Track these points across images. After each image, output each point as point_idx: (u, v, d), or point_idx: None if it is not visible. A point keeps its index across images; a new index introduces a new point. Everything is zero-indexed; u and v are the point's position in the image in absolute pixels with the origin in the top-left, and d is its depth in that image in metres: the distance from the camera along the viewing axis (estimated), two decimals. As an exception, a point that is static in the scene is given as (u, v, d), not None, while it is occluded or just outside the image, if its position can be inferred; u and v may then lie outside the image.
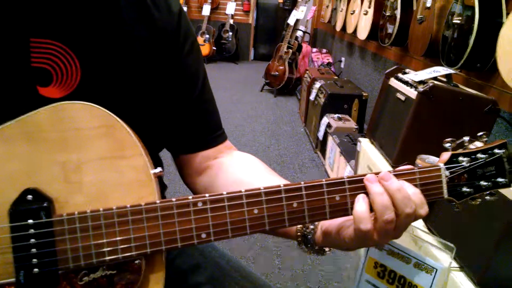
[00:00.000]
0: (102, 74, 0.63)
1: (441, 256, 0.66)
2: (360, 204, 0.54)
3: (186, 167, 0.78)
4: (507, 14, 1.65)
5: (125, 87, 0.66)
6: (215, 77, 6.08)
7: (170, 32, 0.70)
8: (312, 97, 3.56)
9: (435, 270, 0.63)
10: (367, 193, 0.55)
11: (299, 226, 0.64)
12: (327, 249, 0.64)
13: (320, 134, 3.12)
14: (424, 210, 0.55)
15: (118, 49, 0.64)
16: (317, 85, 3.50)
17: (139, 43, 0.66)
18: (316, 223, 0.63)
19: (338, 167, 2.62)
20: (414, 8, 2.58)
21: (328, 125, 2.99)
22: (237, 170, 0.74)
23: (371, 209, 0.55)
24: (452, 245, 0.65)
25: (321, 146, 3.14)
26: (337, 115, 3.08)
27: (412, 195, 0.55)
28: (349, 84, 3.56)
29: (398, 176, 0.56)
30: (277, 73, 5.23)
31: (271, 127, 3.98)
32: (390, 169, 1.78)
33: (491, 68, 1.74)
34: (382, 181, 0.55)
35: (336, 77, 3.96)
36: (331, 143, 2.82)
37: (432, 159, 1.50)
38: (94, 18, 0.63)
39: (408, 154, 1.64)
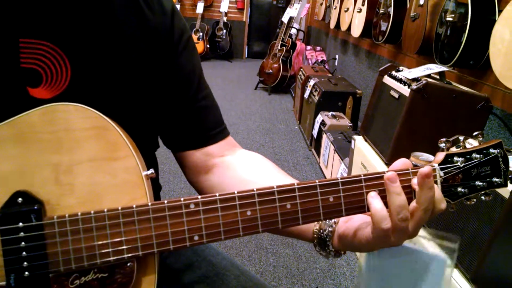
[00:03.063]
0: (93, 74, 0.63)
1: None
2: (377, 203, 0.55)
3: (186, 164, 0.77)
4: (500, 11, 1.65)
5: (116, 88, 0.65)
6: (209, 75, 6.04)
7: (163, 32, 0.69)
8: (306, 95, 3.56)
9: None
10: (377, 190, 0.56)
11: (316, 228, 0.65)
12: (342, 252, 0.64)
13: (315, 132, 3.12)
14: (444, 204, 0.56)
15: (110, 49, 0.64)
16: (311, 82, 3.50)
17: (131, 43, 0.66)
18: (334, 226, 0.63)
19: (332, 164, 2.62)
20: (408, 5, 2.58)
21: (322, 123, 3.00)
22: (246, 170, 0.74)
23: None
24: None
25: (316, 143, 3.14)
26: (331, 112, 3.08)
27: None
28: (343, 82, 3.57)
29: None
30: (271, 71, 5.22)
31: (265, 125, 3.98)
32: (384, 166, 1.77)
33: (484, 65, 1.75)
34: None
35: (330, 75, 3.96)
36: (325, 141, 2.82)
37: (426, 156, 1.50)
38: (86, 18, 0.62)
39: (402, 152, 1.65)
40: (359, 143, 2.02)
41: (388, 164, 1.72)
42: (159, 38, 0.68)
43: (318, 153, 3.04)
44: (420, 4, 2.31)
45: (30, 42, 0.58)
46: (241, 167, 0.74)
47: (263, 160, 0.76)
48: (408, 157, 1.57)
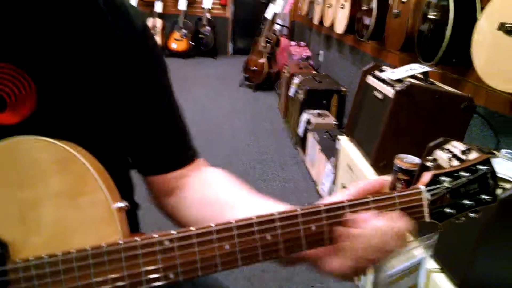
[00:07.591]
0: (60, 96, 0.59)
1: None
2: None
3: (154, 188, 0.75)
4: (482, 8, 1.65)
5: (85, 109, 0.62)
6: (193, 73, 6.00)
7: (134, 50, 0.66)
8: (291, 93, 3.54)
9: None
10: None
11: None
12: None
13: (300, 131, 3.10)
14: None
15: (78, 71, 0.60)
16: (296, 80, 3.48)
17: (101, 63, 0.62)
18: None
19: (319, 164, 2.61)
20: (390, 2, 2.57)
21: (308, 122, 2.98)
22: (203, 187, 0.71)
23: None
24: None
25: (301, 143, 3.12)
26: (316, 111, 3.07)
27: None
28: (327, 79, 3.55)
29: (375, 202, 0.53)
30: (255, 68, 5.18)
31: (250, 124, 3.95)
32: (370, 168, 1.72)
33: (467, 63, 1.74)
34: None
35: (314, 72, 3.94)
36: (311, 140, 2.81)
37: (411, 158, 1.50)
38: (49, 37, 0.58)
39: (387, 153, 1.63)
40: (345, 144, 2.01)
41: (373, 165, 1.71)
42: (129, 55, 0.65)
43: (305, 152, 3.03)
44: (402, 1, 2.30)
45: None
46: (198, 187, 0.71)
47: (222, 178, 0.73)
48: (392, 158, 1.55)
